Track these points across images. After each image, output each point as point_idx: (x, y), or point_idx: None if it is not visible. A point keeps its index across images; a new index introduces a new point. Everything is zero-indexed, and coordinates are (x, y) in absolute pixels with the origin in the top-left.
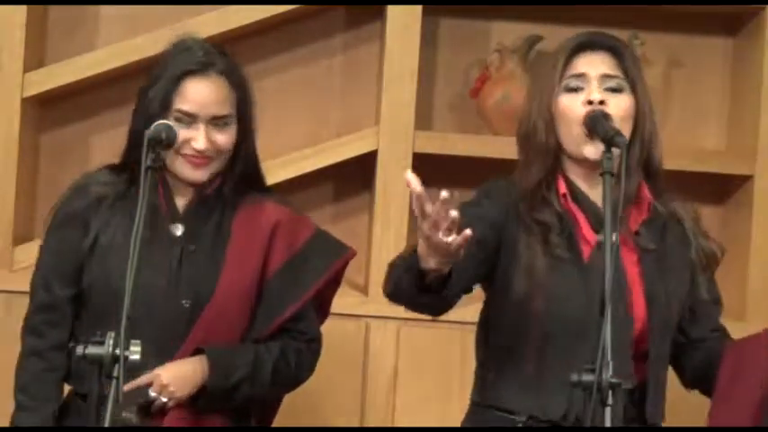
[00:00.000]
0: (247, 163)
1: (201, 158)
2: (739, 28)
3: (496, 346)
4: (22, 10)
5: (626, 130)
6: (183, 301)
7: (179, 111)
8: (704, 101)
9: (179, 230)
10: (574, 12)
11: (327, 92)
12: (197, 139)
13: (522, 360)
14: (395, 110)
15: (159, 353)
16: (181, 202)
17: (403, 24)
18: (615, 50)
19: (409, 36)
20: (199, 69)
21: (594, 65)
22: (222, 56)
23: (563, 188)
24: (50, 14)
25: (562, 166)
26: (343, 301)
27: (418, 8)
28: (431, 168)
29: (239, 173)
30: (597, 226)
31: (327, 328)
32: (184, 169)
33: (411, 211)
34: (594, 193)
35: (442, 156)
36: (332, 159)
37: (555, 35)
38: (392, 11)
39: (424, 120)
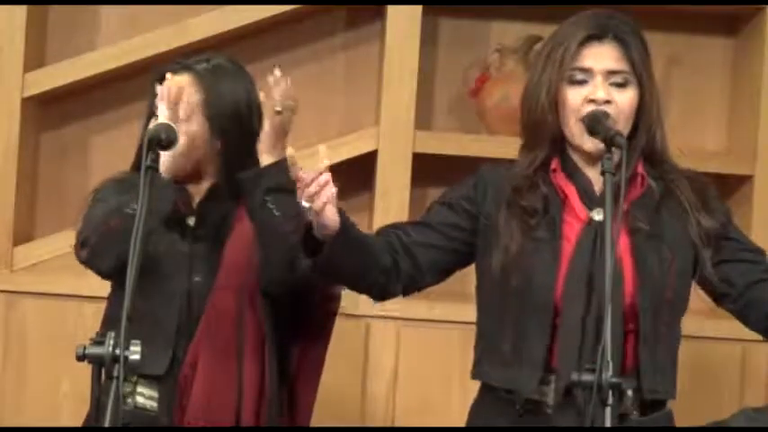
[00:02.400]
0: (231, 166)
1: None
2: (739, 28)
3: (482, 324)
4: (21, 10)
5: (629, 125)
6: (196, 278)
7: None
8: (704, 101)
9: (192, 221)
10: (574, 12)
11: (328, 92)
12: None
13: (500, 337)
14: (395, 110)
15: (180, 329)
16: (196, 197)
17: (403, 24)
18: (623, 41)
19: (409, 36)
20: (177, 69)
21: (601, 58)
22: (210, 61)
23: (554, 164)
24: (50, 14)
25: (563, 147)
26: (343, 301)
27: (418, 8)
28: (430, 168)
29: (227, 175)
30: (588, 202)
31: None
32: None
33: (411, 211)
34: (591, 171)
35: (441, 156)
36: (332, 159)
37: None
38: (392, 11)
39: (424, 120)
